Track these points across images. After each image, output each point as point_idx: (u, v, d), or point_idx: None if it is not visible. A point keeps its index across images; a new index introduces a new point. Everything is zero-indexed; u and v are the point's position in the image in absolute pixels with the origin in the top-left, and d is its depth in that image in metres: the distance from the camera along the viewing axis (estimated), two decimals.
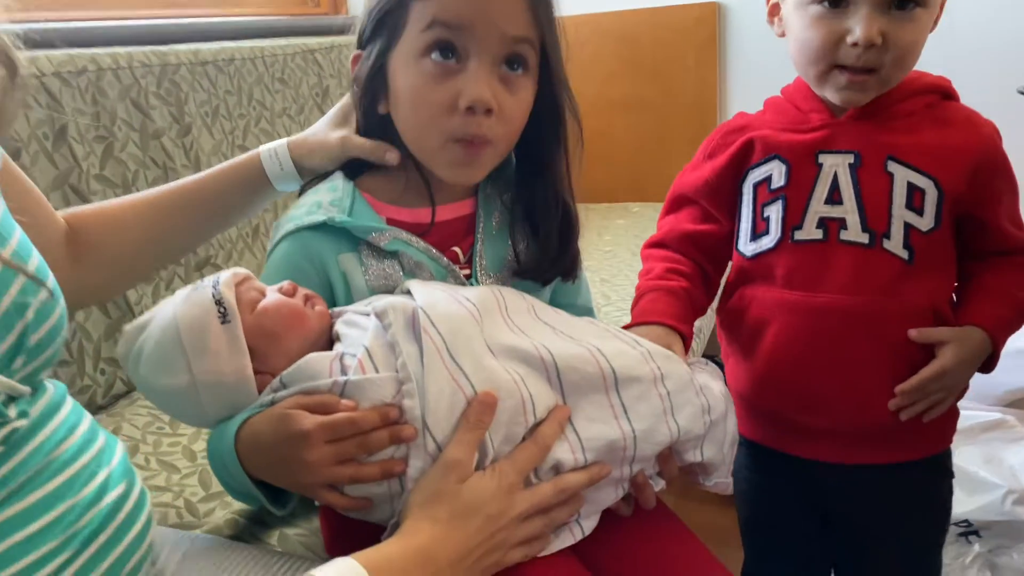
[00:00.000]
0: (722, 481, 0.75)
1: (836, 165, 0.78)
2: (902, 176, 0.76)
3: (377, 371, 0.60)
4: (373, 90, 0.73)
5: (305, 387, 0.61)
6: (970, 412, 1.37)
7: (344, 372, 0.61)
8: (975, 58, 1.67)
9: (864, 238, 0.77)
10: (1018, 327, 0.79)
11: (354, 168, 0.80)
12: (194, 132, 1.34)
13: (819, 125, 0.80)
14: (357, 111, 0.78)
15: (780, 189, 0.80)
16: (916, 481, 0.83)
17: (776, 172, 0.81)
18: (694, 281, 0.86)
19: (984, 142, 0.78)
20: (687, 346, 0.81)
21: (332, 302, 0.73)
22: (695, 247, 0.88)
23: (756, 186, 0.83)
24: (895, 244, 0.76)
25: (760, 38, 1.91)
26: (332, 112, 0.85)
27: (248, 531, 0.83)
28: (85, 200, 1.12)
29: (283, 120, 1.57)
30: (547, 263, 0.78)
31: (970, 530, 1.26)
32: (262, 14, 1.88)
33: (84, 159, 1.14)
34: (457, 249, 0.79)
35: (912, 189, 0.76)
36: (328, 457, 0.58)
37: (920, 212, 0.75)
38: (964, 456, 1.31)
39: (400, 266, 0.73)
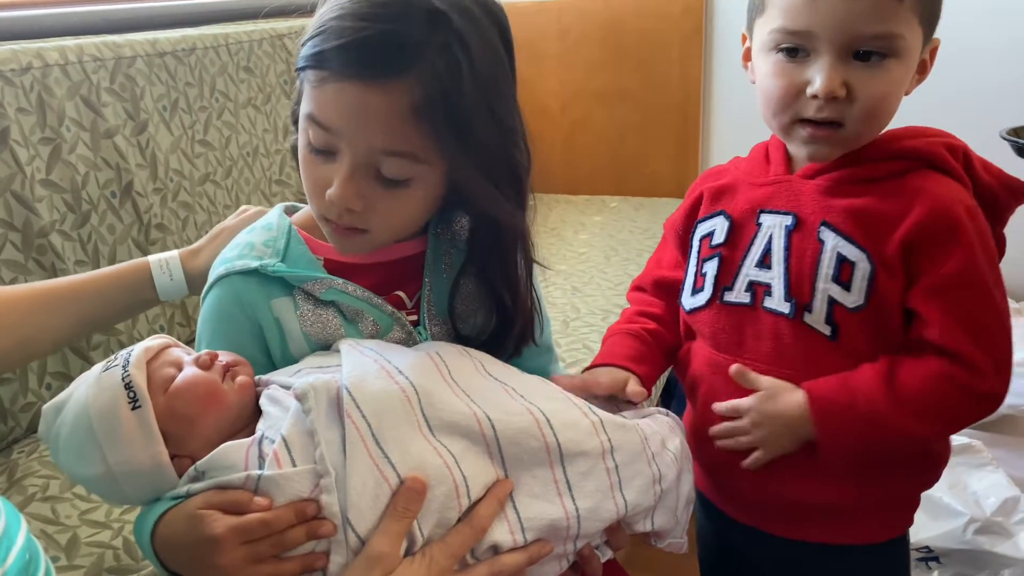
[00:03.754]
0: (676, 541, 0.74)
1: (773, 227, 0.73)
2: (832, 245, 0.69)
3: (294, 463, 0.58)
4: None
5: (218, 482, 0.58)
6: None
7: (262, 459, 0.58)
8: (958, 101, 1.61)
9: (785, 308, 0.71)
10: (854, 431, 0.68)
11: None
12: (150, 129, 1.28)
13: (771, 180, 0.75)
14: None
15: (718, 246, 0.77)
16: (857, 569, 0.77)
17: (719, 228, 0.77)
18: (664, 322, 0.84)
19: (927, 212, 0.66)
20: (646, 386, 0.78)
21: (266, 350, 0.71)
22: (666, 292, 0.86)
23: (701, 239, 0.80)
24: (816, 319, 0.70)
25: None
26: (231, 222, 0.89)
27: None
28: (30, 208, 1.07)
29: (248, 111, 1.51)
30: (491, 334, 0.74)
31: (930, 556, 1.25)
32: None
33: (28, 163, 1.08)
34: (401, 293, 0.75)
35: (841, 261, 0.68)
36: (242, 559, 0.56)
37: (848, 287, 0.68)
38: None
39: (340, 313, 0.70)
